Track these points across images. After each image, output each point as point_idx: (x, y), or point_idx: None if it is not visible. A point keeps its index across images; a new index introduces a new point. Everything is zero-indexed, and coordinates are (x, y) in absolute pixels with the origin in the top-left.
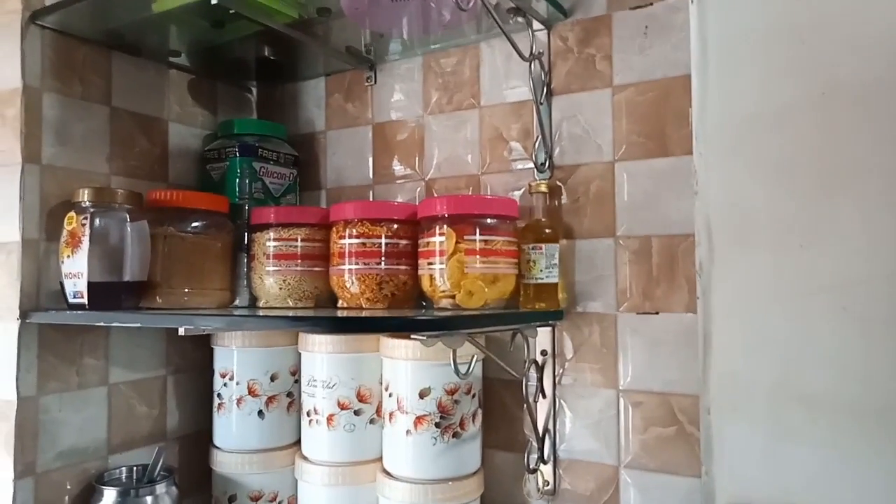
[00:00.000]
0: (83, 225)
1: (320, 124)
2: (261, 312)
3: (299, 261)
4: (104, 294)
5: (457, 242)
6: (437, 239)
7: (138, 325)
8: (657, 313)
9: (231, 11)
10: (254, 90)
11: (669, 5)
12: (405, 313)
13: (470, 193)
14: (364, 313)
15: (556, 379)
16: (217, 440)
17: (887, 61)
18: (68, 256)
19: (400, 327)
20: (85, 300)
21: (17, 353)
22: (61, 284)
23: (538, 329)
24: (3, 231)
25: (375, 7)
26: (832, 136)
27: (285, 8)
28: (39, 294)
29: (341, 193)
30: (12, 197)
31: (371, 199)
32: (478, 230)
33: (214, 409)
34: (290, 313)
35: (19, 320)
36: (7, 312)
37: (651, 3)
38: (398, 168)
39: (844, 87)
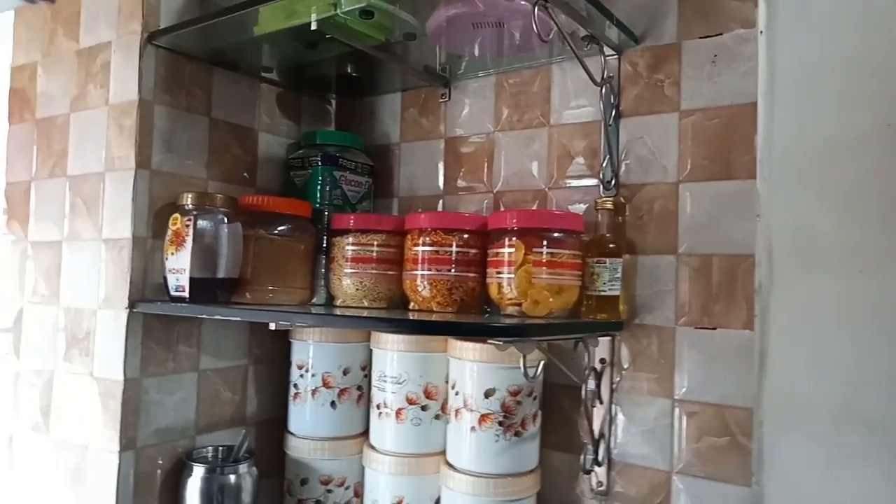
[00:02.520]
0: (186, 226)
1: (395, 136)
2: (338, 311)
3: (375, 264)
4: (202, 288)
5: (525, 254)
6: (507, 250)
7: (238, 318)
8: (715, 329)
9: (326, 35)
10: (334, 102)
11: (738, 36)
12: (477, 319)
13: (536, 207)
14: (434, 316)
15: (614, 386)
16: (292, 427)
17: None
18: (172, 253)
19: (479, 332)
20: (186, 294)
21: (126, 338)
22: (164, 278)
23: (599, 338)
24: (118, 229)
25: (456, 31)
26: None
27: (375, 33)
28: (145, 286)
29: (412, 202)
30: (126, 198)
31: (440, 208)
32: (545, 243)
33: (290, 398)
34: (366, 313)
35: (128, 310)
36: (118, 302)
37: (720, 34)
38: (467, 180)
39: None
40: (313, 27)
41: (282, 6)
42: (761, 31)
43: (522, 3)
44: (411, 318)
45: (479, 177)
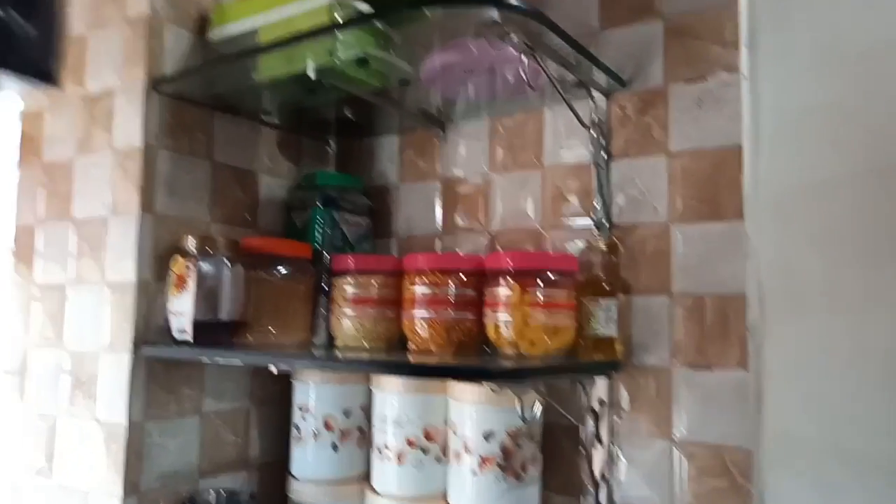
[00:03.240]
0: (189, 269)
1: (393, 177)
2: (338, 353)
3: (374, 305)
4: (205, 331)
5: (521, 295)
6: (503, 291)
7: (240, 362)
8: (710, 368)
9: (324, 82)
10: (333, 143)
11: (722, 81)
12: (474, 362)
13: (532, 247)
14: (433, 357)
15: (613, 427)
16: (294, 469)
17: None
18: (175, 296)
19: (475, 376)
20: (189, 336)
21: (129, 382)
22: (167, 321)
23: (596, 378)
24: (122, 272)
25: (449, 77)
26: (882, 210)
27: (372, 79)
28: (148, 329)
29: (411, 241)
30: (130, 242)
31: (438, 248)
32: (541, 284)
33: (292, 440)
34: (366, 355)
35: (132, 353)
36: (122, 345)
37: (705, 78)
38: (464, 220)
39: (891, 165)
40: (312, 76)
41: (281, 53)
42: (744, 76)
43: (511, 51)
44: (408, 362)
45: (476, 217)
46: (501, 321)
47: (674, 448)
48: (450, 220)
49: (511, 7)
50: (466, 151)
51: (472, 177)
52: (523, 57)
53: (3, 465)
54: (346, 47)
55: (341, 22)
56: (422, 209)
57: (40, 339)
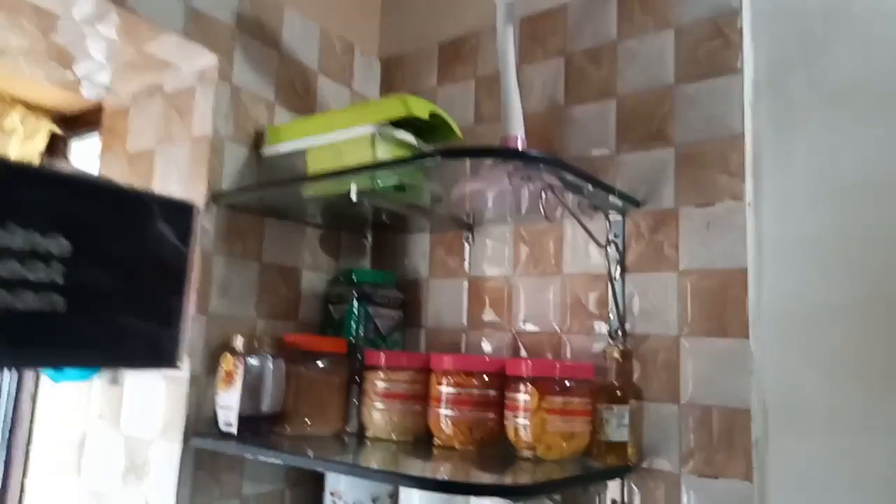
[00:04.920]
0: (237, 366)
1: (424, 272)
2: (369, 444)
3: (402, 400)
4: (249, 423)
5: (539, 401)
6: (522, 396)
7: (279, 462)
8: (717, 478)
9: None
10: (370, 237)
11: (729, 207)
12: (492, 476)
13: (551, 350)
14: (456, 455)
15: None
16: None
17: None
18: (223, 391)
19: (492, 493)
20: (234, 429)
21: (179, 469)
22: (214, 412)
23: (609, 482)
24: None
25: (477, 197)
26: (881, 339)
27: (408, 198)
28: (198, 420)
29: (438, 334)
30: (185, 340)
31: (464, 343)
32: (558, 390)
33: None
34: (392, 454)
35: (182, 443)
36: (174, 435)
37: (712, 204)
38: (489, 317)
39: (891, 296)
40: (354, 199)
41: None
42: (749, 204)
43: (531, 186)
44: (431, 478)
45: (501, 315)
46: (520, 425)
47: None
48: (476, 316)
49: (533, 159)
50: (492, 253)
51: (497, 277)
52: (543, 192)
53: None
54: (386, 176)
55: (380, 161)
56: (450, 304)
57: (100, 420)
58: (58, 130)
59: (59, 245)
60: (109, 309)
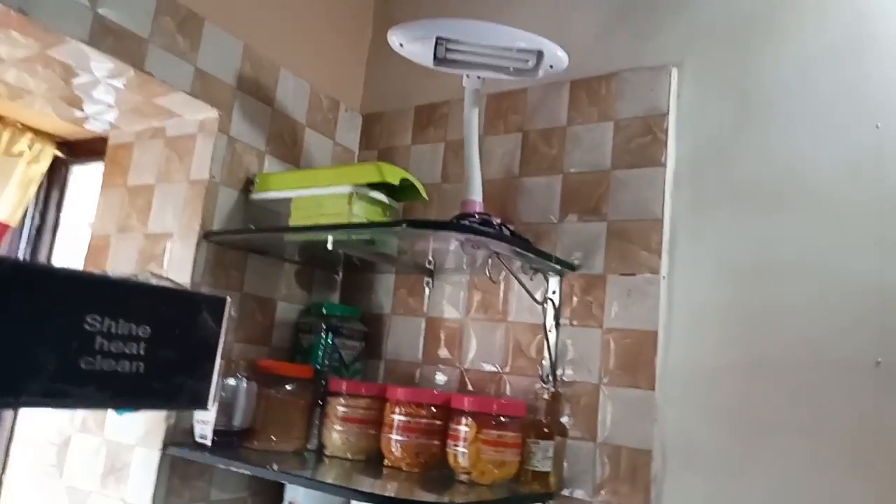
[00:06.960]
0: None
1: (387, 308)
2: (327, 461)
3: (359, 424)
4: (221, 437)
5: (477, 433)
6: (463, 427)
7: (248, 472)
8: None
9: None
10: (341, 274)
11: (647, 278)
12: (436, 490)
13: (494, 386)
14: (402, 476)
15: None
16: None
17: (803, 350)
18: None
19: None
20: (208, 442)
21: (157, 474)
22: (192, 425)
23: None
24: None
25: (437, 253)
26: (757, 394)
27: (377, 249)
28: (176, 430)
29: (397, 365)
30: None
31: (418, 375)
32: (494, 424)
33: None
34: (346, 470)
35: (161, 451)
36: (154, 443)
37: (634, 274)
38: (443, 354)
39: (771, 361)
40: (329, 247)
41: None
42: (664, 277)
43: (479, 252)
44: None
45: (452, 353)
46: (460, 452)
47: None
48: (431, 352)
49: (480, 233)
50: (448, 298)
51: (451, 319)
52: (489, 259)
53: None
54: (359, 233)
55: (355, 223)
56: (408, 339)
57: (84, 426)
58: (61, 155)
59: (144, 330)
60: (170, 370)
